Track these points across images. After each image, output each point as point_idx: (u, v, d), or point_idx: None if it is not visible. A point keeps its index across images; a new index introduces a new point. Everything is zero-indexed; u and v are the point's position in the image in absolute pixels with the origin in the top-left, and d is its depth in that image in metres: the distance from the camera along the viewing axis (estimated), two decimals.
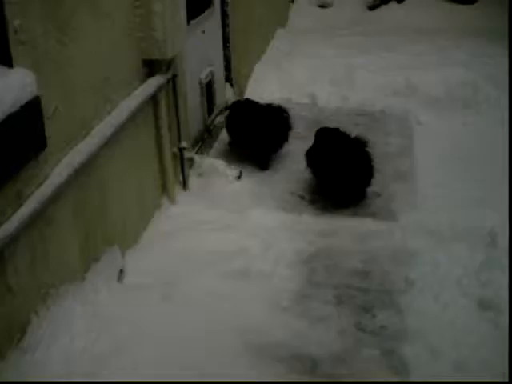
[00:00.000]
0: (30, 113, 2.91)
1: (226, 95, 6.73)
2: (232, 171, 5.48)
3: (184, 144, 5.05)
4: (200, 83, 5.91)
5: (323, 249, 4.68)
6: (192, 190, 5.29)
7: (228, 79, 6.84)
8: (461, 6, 9.79)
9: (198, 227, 4.73)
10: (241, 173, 5.53)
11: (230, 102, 6.48)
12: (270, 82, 7.55)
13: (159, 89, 4.50)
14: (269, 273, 4.37)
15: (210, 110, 6.24)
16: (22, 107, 2.82)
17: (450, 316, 3.98)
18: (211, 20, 6.17)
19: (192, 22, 5.59)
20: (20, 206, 2.98)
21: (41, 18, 3.11)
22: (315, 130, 5.76)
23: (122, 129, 3.96)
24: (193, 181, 5.38)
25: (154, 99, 4.55)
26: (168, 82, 4.61)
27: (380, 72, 7.56)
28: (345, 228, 4.92)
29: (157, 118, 4.63)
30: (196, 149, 5.81)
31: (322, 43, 8.76)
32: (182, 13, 5.26)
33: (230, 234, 4.67)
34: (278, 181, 5.64)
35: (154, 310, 3.93)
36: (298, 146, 6.08)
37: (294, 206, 5.24)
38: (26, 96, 2.84)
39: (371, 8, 10.22)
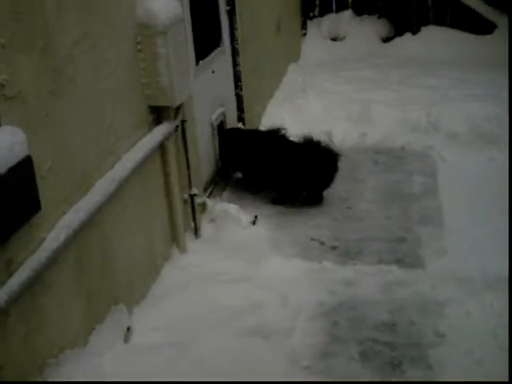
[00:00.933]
0: (21, 174, 2.66)
1: None
2: (246, 216, 5.22)
3: (195, 190, 4.80)
4: (211, 125, 5.68)
5: (346, 300, 4.37)
6: (204, 237, 5.03)
7: (240, 118, 6.60)
8: (477, 37, 9.50)
9: (210, 279, 4.44)
10: (256, 217, 5.27)
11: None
12: (283, 120, 7.29)
13: (167, 137, 4.26)
14: (287, 328, 4.06)
15: None
16: (10, 169, 2.56)
17: (485, 372, 3.65)
18: (221, 59, 5.96)
19: (201, 62, 5.37)
20: (10, 275, 2.72)
21: (31, 69, 2.87)
22: None
23: (126, 181, 3.71)
24: (205, 227, 5.13)
25: (161, 147, 4.31)
26: (176, 128, 4.36)
27: (398, 107, 7.31)
28: (369, 276, 4.61)
29: (165, 165, 4.39)
30: (208, 192, 5.56)
31: (336, 77, 8.58)
32: (191, 54, 5.05)
33: (245, 287, 4.37)
34: (295, 225, 5.37)
35: (162, 373, 3.62)
36: None
37: (313, 253, 4.94)
38: (15, 157, 2.58)
39: (385, 40, 9.99)
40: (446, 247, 4.88)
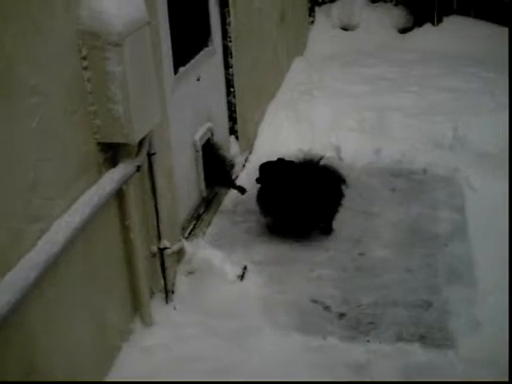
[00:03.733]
0: None
1: (230, 152, 5.38)
2: (233, 267, 4.15)
3: (165, 243, 3.72)
4: (194, 146, 4.58)
5: None
6: (178, 299, 3.94)
7: (233, 131, 5.50)
8: (507, 30, 8.31)
9: (182, 368, 3.36)
10: (245, 269, 4.20)
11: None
12: (284, 130, 6.23)
13: (125, 181, 3.16)
14: None
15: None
16: None
17: None
18: (209, 62, 4.85)
19: (181, 69, 4.27)
20: None
21: None
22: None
23: (59, 257, 2.62)
24: (181, 282, 4.06)
25: (118, 194, 3.22)
26: (138, 169, 3.25)
27: (418, 116, 6.22)
28: (385, 357, 3.56)
29: (123, 217, 3.30)
30: (189, 230, 4.48)
31: (348, 75, 7.45)
32: (167, 62, 3.95)
33: (228, 379, 3.32)
34: (294, 278, 4.26)
35: None
36: None
37: (316, 323, 3.84)
38: None
39: (402, 31, 8.85)
40: (480, 317, 3.80)
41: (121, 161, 3.14)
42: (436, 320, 3.84)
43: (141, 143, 3.28)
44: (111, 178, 3.00)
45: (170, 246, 3.74)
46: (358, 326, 3.83)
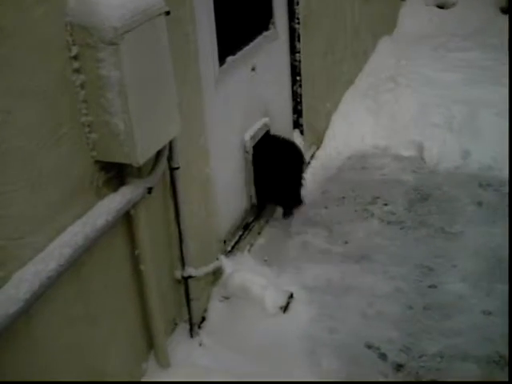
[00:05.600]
0: None
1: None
2: (276, 295, 3.53)
3: (190, 271, 3.13)
4: (244, 147, 3.96)
5: None
6: (206, 331, 3.37)
7: (297, 124, 4.84)
8: None
9: None
10: (291, 297, 3.58)
11: None
12: (360, 122, 5.52)
13: (132, 206, 2.57)
14: None
15: None
16: None
17: None
18: (270, 48, 4.19)
19: (229, 58, 3.64)
20: None
21: None
22: None
23: (22, 310, 2.07)
24: (214, 309, 3.49)
25: (127, 219, 2.65)
26: (149, 191, 2.66)
27: None
28: None
29: (133, 246, 2.72)
30: (232, 243, 3.89)
31: (439, 61, 6.64)
32: (207, 54, 3.32)
33: None
34: (349, 313, 3.60)
35: None
36: (386, 239, 4.12)
37: (366, 374, 3.20)
38: None
39: (505, 11, 7.86)
40: None
41: (127, 182, 2.55)
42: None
43: (158, 157, 2.69)
44: (106, 208, 2.40)
45: (195, 273, 3.15)
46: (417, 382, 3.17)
